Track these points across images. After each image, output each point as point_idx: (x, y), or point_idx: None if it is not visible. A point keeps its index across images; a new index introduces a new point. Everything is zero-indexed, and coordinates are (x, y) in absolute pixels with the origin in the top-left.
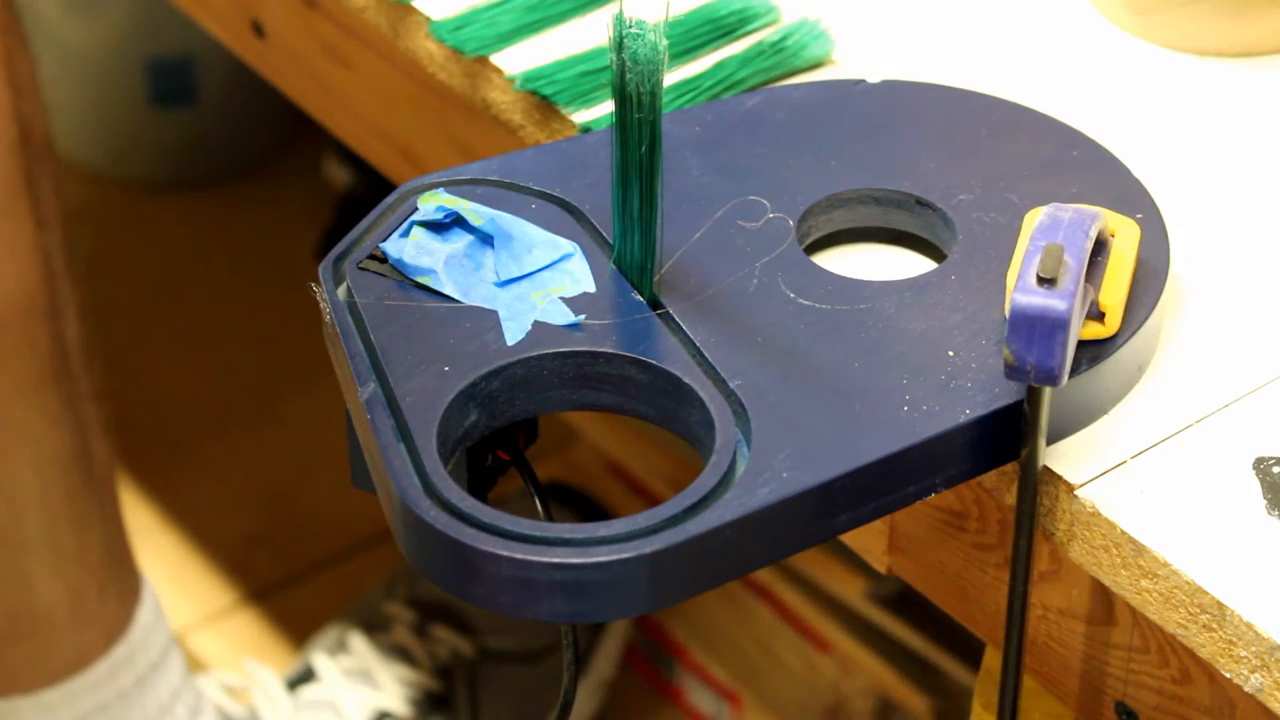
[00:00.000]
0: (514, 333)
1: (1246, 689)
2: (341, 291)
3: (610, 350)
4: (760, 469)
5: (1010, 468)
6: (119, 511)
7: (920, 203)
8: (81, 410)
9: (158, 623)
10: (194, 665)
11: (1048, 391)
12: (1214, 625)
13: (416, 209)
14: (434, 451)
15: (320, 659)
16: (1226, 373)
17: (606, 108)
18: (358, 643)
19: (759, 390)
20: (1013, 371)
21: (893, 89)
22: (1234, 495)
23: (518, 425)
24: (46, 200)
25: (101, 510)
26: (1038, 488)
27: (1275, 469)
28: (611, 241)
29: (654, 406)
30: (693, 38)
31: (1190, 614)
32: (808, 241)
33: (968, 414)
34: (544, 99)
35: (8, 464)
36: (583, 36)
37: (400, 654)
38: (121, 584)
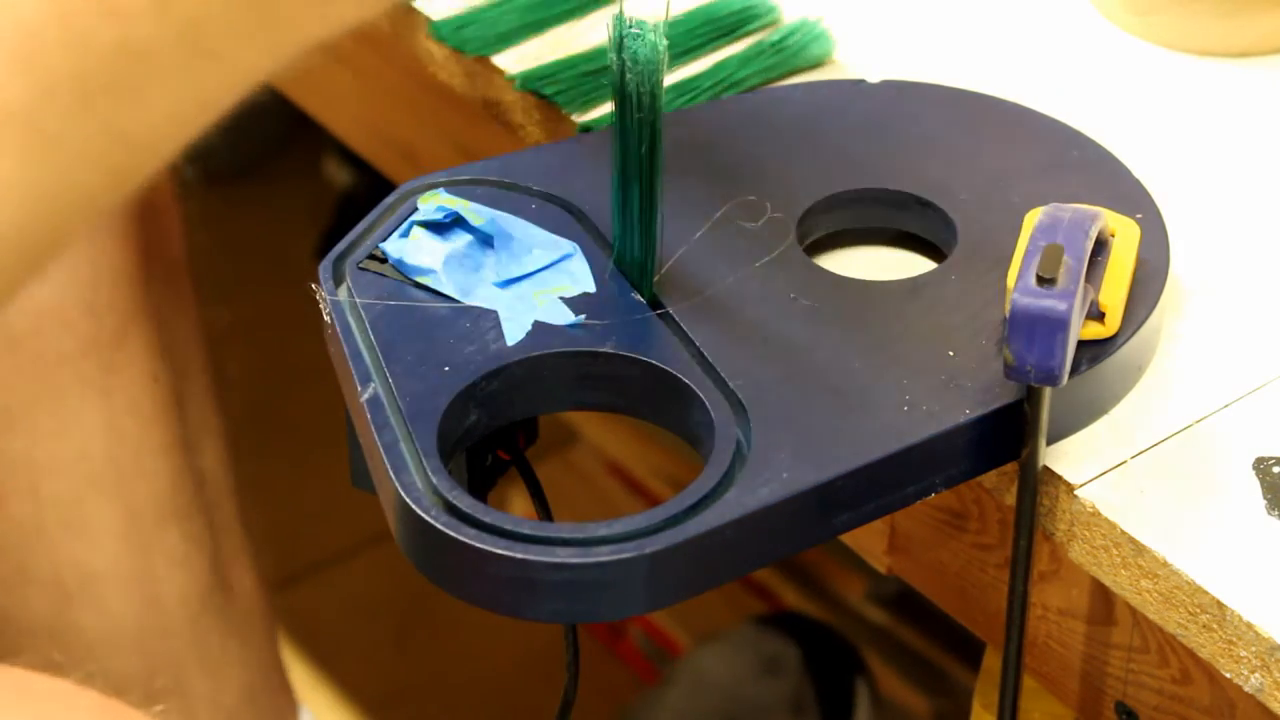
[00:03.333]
0: (514, 333)
1: (1246, 689)
2: (341, 291)
3: (610, 350)
4: (760, 469)
5: (1010, 468)
6: (269, 647)
7: (920, 203)
8: (220, 542)
9: None
10: None
11: (1048, 391)
12: (1214, 625)
13: (416, 209)
14: (434, 451)
15: None
16: (1226, 373)
17: (606, 108)
18: None
19: (759, 390)
20: (1013, 371)
21: (893, 89)
22: (1234, 495)
23: (518, 425)
24: (180, 321)
25: (243, 649)
26: (1038, 488)
27: (1275, 469)
28: (611, 241)
29: (654, 406)
30: (693, 38)
31: (1190, 614)
32: (808, 241)
33: (968, 414)
34: (544, 99)
35: (125, 605)
36: (583, 36)
37: None
38: None
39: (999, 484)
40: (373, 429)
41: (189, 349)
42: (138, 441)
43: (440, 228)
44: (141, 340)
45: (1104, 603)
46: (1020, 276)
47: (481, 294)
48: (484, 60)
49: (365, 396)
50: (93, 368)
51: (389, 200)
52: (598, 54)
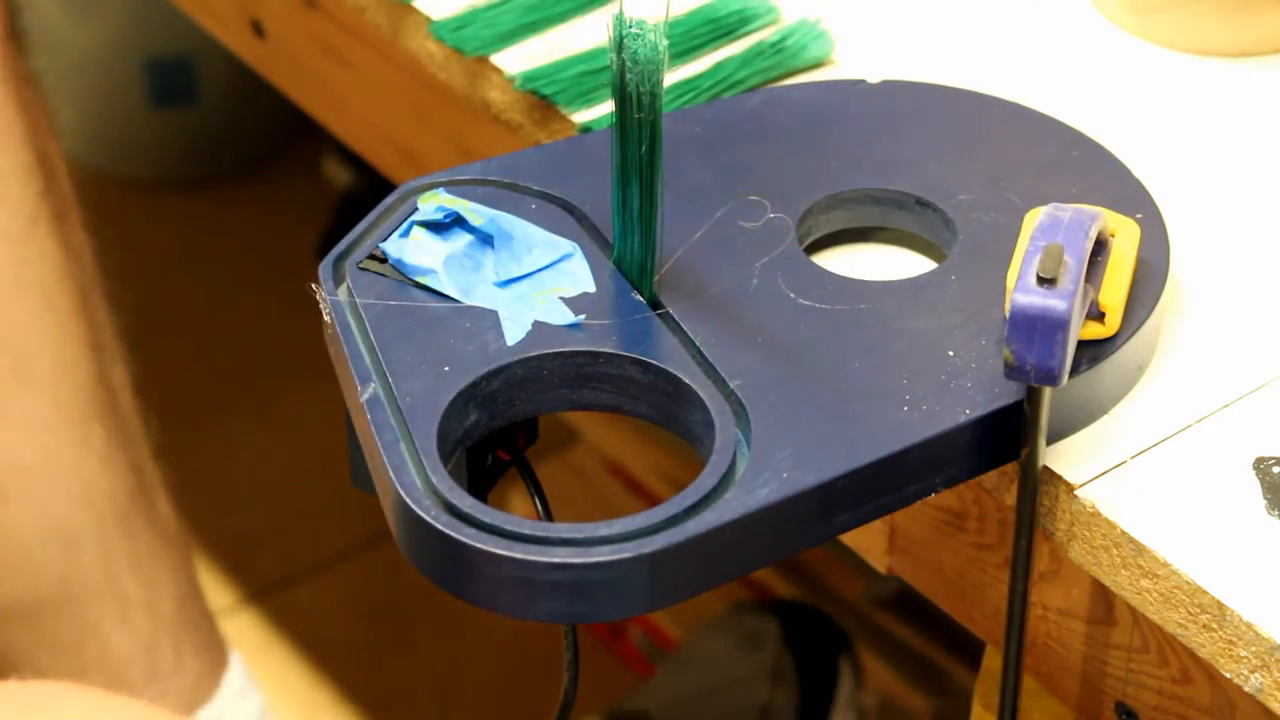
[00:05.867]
0: (514, 333)
1: (1246, 689)
2: (341, 291)
3: (610, 350)
4: (760, 469)
5: (1010, 468)
6: (194, 576)
7: (920, 203)
8: (137, 457)
9: (247, 697)
10: None
11: (1048, 391)
12: (1214, 625)
13: (416, 209)
14: (434, 451)
15: None
16: (1226, 373)
17: (606, 108)
18: None
19: (759, 390)
20: (1013, 371)
21: (893, 89)
22: (1234, 495)
23: (518, 425)
24: (75, 236)
25: (172, 563)
26: (1038, 488)
27: (1275, 469)
28: (611, 241)
29: (654, 406)
30: (693, 38)
31: (1190, 614)
32: (808, 241)
33: (968, 414)
34: (544, 99)
35: (59, 500)
36: (583, 36)
37: None
38: (201, 647)
39: (999, 484)
40: (373, 429)
41: (89, 268)
42: (56, 334)
43: (440, 228)
44: (49, 237)
45: (1104, 603)
46: (1020, 276)
47: (481, 294)
48: (484, 60)
49: (365, 396)
50: (4, 259)
51: (389, 200)
52: (598, 54)
